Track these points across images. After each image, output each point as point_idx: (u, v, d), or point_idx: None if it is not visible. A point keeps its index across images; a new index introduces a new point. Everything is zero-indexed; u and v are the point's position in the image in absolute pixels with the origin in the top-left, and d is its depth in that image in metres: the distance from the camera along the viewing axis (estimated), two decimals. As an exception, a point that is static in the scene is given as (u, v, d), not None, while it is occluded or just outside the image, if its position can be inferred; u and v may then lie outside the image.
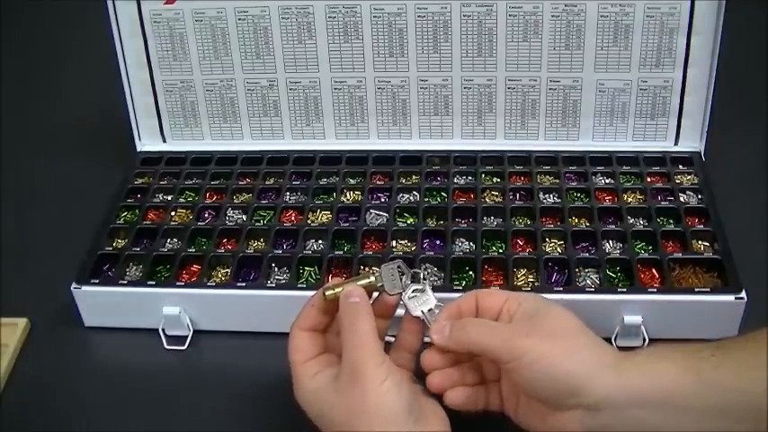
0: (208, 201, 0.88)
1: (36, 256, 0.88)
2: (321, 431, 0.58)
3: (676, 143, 0.90)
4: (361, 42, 0.88)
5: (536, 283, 0.74)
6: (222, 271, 0.79)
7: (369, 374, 0.55)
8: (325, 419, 0.57)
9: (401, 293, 0.62)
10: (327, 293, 0.61)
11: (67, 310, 0.78)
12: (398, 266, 0.62)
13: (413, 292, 0.62)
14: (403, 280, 0.62)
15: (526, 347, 0.55)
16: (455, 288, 0.74)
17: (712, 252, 0.76)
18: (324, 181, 0.89)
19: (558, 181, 0.87)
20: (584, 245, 0.79)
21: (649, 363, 0.55)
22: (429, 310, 0.62)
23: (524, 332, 0.56)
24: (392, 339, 0.64)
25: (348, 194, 0.87)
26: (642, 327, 0.72)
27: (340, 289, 0.60)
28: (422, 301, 0.62)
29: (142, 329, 0.77)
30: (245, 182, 0.90)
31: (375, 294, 0.62)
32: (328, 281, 0.77)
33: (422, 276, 0.63)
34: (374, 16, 0.87)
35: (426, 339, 0.63)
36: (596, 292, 0.73)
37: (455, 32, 0.87)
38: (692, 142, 0.89)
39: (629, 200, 0.84)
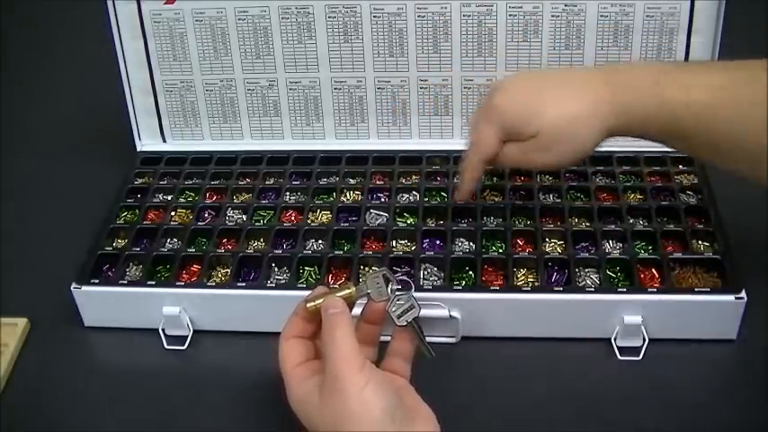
0: (208, 201, 0.88)
1: (36, 256, 0.87)
2: None
3: (676, 143, 0.90)
4: (361, 42, 0.88)
5: (536, 283, 0.74)
6: (222, 271, 0.79)
7: (349, 381, 0.56)
8: (313, 425, 0.58)
9: (388, 300, 0.62)
10: (309, 305, 0.61)
11: (67, 310, 0.78)
12: (384, 275, 0.62)
13: (397, 300, 0.62)
14: (389, 287, 0.62)
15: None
16: (455, 288, 0.74)
17: (712, 252, 0.76)
18: (324, 181, 0.89)
19: (557, 181, 0.87)
20: (584, 245, 0.79)
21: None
22: (415, 319, 0.62)
23: None
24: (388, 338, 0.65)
25: (348, 194, 0.87)
26: (642, 327, 0.72)
27: (320, 300, 0.61)
28: (406, 309, 0.62)
29: (142, 329, 0.77)
30: (245, 182, 0.90)
31: (365, 300, 0.62)
32: (328, 281, 0.77)
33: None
34: (374, 16, 0.87)
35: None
36: (596, 292, 0.73)
37: (455, 32, 0.87)
38: (692, 142, 0.89)
39: (629, 200, 0.84)
